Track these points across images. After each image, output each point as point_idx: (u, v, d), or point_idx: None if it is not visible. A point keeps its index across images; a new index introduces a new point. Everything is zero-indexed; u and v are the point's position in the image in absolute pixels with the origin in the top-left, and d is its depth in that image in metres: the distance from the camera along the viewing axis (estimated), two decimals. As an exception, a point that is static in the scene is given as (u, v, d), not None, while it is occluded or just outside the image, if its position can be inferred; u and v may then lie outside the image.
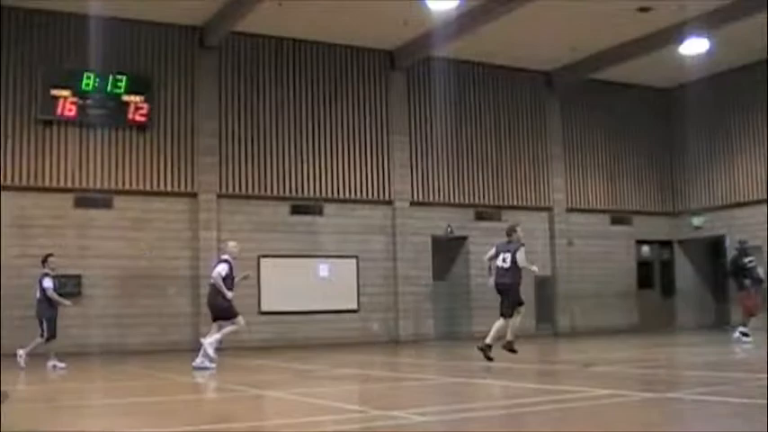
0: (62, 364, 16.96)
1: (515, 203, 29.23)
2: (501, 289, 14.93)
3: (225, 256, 16.94)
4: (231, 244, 17.19)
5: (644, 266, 31.96)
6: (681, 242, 32.37)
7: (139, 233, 23.95)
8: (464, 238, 28.20)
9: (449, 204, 28.05)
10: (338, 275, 26.15)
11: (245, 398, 11.18)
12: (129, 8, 23.21)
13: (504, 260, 15.00)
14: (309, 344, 24.66)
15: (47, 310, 17.44)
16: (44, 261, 17.86)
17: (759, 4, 23.58)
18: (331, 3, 23.49)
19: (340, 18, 24.72)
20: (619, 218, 31.25)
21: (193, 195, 24.63)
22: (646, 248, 32.08)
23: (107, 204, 23.74)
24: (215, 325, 16.65)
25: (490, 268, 15.25)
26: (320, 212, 26.27)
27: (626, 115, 31.70)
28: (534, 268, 15.35)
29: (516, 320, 14.75)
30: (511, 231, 15.27)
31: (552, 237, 29.78)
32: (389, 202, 27.22)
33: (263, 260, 25.18)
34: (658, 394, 10.05)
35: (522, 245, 15.16)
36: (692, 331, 28.23)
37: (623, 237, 31.26)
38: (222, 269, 16.46)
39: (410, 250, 27.14)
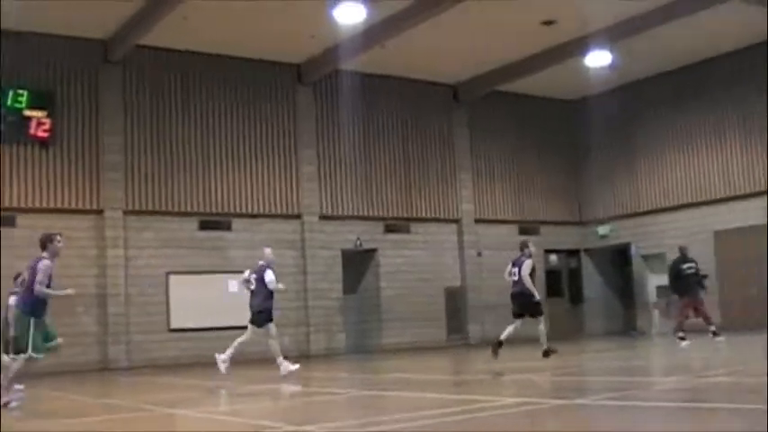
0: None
1: (424, 215, 29.36)
2: (513, 297, 18.50)
3: (263, 263, 17.40)
4: (267, 251, 17.81)
5: (552, 275, 32.32)
6: (588, 251, 32.83)
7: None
8: (374, 251, 28.23)
9: (358, 217, 28.06)
10: (248, 291, 25.88)
11: (156, 417, 11.02)
12: (30, 21, 22.77)
13: (513, 273, 18.34)
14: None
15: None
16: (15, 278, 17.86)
17: (661, 18, 24.13)
18: (237, 17, 23.36)
19: (246, 32, 24.58)
20: (526, 228, 31.54)
21: (99, 212, 24.25)
22: (554, 257, 32.45)
23: (10, 222, 23.20)
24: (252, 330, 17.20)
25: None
26: (229, 228, 26.06)
27: (532, 127, 32.10)
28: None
29: (540, 327, 17.91)
30: (523, 247, 18.80)
31: (461, 248, 29.95)
32: (298, 216, 27.14)
33: (171, 277, 24.90)
34: (568, 401, 10.16)
35: (528, 257, 18.47)
36: (600, 338, 28.61)
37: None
38: (272, 276, 17.10)
39: (320, 264, 27.08)
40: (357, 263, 28.16)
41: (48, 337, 14.66)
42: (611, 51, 26.49)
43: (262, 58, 26.83)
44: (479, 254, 30.24)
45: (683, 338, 19.83)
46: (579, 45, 26.20)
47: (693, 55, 28.26)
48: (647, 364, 15.03)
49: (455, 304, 29.30)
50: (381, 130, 28.97)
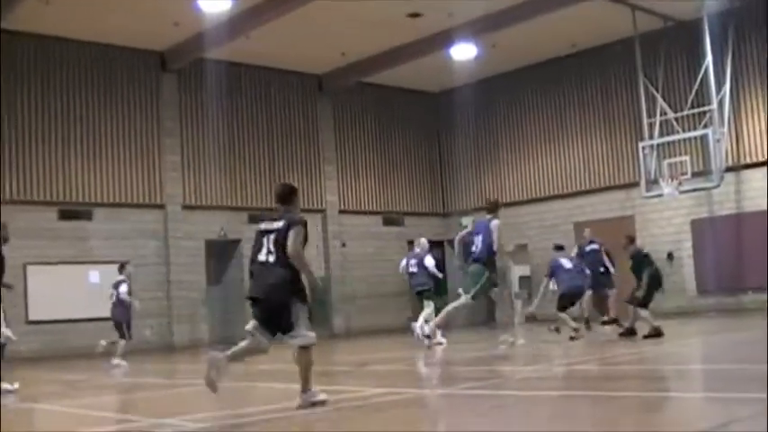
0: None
1: (289, 206, 29.24)
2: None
3: (417, 250, 20.45)
4: (423, 240, 20.76)
5: (416, 266, 32.51)
6: (451, 242, 33.15)
7: None
8: (238, 242, 28.03)
9: (222, 207, 27.83)
10: (109, 281, 25.39)
11: (15, 411, 10.75)
12: None
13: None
14: (81, 353, 23.91)
15: (124, 314, 19.32)
16: (121, 268, 19.71)
17: (525, 12, 24.55)
18: (100, 2, 22.90)
19: (109, 17, 24.07)
20: (391, 219, 31.78)
21: (-46, 201, 23.54)
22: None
23: None
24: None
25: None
26: (90, 217, 25.57)
27: (397, 119, 32.34)
28: None
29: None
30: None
31: (326, 239, 30.00)
32: (161, 206, 26.78)
33: (29, 267, 24.28)
34: (431, 390, 10.27)
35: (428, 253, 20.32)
36: (462, 329, 28.96)
37: (395, 237, 31.76)
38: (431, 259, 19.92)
39: (183, 254, 26.78)
40: (221, 253, 27.93)
41: None
42: (476, 44, 26.85)
43: (125, 45, 26.33)
44: (344, 245, 30.33)
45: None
46: (444, 38, 26.46)
47: (558, 49, 28.83)
48: (506, 355, 15.28)
49: (319, 295, 29.28)
50: (246, 119, 28.79)
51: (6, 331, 13.98)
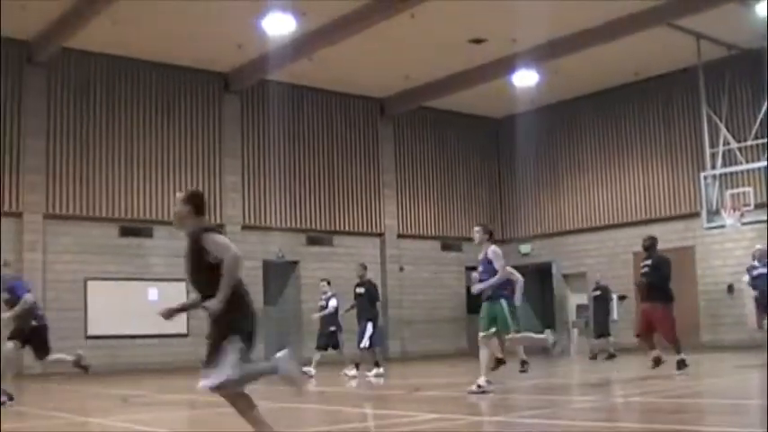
0: None
1: (347, 229, 29.37)
2: None
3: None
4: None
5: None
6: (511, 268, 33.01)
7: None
8: (296, 263, 28.13)
9: (281, 229, 27.96)
10: (167, 299, 25.56)
11: (69, 425, 10.86)
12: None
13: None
14: (138, 368, 24.15)
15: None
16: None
17: (587, 40, 24.45)
18: (166, 23, 23.20)
19: (174, 38, 24.42)
20: (449, 244, 31.72)
21: (18, 215, 23.86)
22: (475, 274, 32.42)
23: (-74, 223, 22.79)
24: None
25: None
26: (150, 235, 25.82)
27: (457, 143, 32.33)
28: None
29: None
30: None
31: (383, 262, 30.00)
32: (221, 226, 26.92)
33: (90, 283, 24.59)
34: (485, 417, 10.20)
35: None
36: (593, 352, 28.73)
37: (453, 263, 31.71)
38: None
39: (241, 275, 26.86)
40: (279, 274, 28.04)
41: None
42: (538, 71, 26.78)
43: (189, 66, 26.66)
44: (401, 269, 30.31)
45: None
46: (507, 64, 26.44)
47: (620, 77, 28.68)
48: (564, 383, 15.15)
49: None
50: (307, 141, 28.93)
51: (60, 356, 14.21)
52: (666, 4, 22.84)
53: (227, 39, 24.36)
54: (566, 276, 31.19)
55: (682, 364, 14.89)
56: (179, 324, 25.75)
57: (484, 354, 13.29)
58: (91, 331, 24.40)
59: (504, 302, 13.45)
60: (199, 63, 26.58)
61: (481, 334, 13.27)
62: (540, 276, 32.39)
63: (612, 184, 30.04)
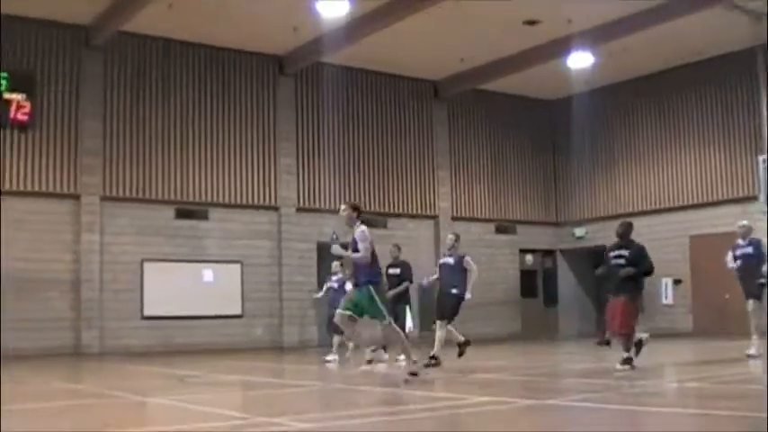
0: None
1: (401, 211, 29.38)
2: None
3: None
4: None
5: (527, 275, 32.38)
6: (563, 252, 32.94)
7: (19, 234, 23.34)
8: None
9: (335, 211, 27.91)
10: (222, 280, 25.94)
11: (126, 404, 11.01)
12: (11, 4, 22.65)
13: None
14: (192, 349, 24.39)
15: None
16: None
17: (643, 21, 24.19)
18: (221, 6, 23.31)
19: (230, 22, 24.53)
20: (503, 227, 31.65)
21: (76, 197, 24.16)
22: (529, 257, 32.52)
23: (-14, 204, 23.15)
24: None
25: None
26: (205, 217, 26.03)
27: (511, 126, 32.20)
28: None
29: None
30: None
31: (437, 245, 29.99)
32: (275, 208, 27.12)
33: (146, 264, 24.86)
34: (538, 401, 10.20)
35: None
36: (573, 340, 28.69)
37: (507, 245, 31.64)
38: None
39: (295, 256, 27.06)
40: (332, 256, 28.02)
41: None
42: (593, 52, 26.55)
43: (244, 49, 26.79)
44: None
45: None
46: (561, 45, 26.22)
47: (676, 59, 28.34)
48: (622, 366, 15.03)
49: (429, 301, 29.31)
50: (361, 124, 28.98)
51: None
52: (725, -16, 22.56)
53: (282, 21, 24.44)
54: (620, 260, 30.94)
55: (629, 361, 13.92)
56: (234, 305, 26.02)
57: (348, 332, 13.30)
58: (147, 312, 24.68)
59: (370, 289, 12.67)
60: (253, 46, 26.71)
61: (338, 311, 12.92)
62: (594, 260, 32.20)
63: (668, 167, 29.75)
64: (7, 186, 23.26)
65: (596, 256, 31.40)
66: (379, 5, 23.34)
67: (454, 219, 30.41)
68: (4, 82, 23.29)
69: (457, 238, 18.24)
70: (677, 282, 28.60)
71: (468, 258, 16.95)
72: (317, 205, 27.72)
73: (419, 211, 29.85)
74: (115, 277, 24.44)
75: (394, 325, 13.02)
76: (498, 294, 30.73)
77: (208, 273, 25.81)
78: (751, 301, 16.63)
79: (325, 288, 20.02)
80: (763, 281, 16.48)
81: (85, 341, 23.79)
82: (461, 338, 16.80)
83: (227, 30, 25.20)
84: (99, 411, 10.45)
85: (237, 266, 26.28)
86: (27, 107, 23.57)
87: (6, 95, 23.35)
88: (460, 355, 16.45)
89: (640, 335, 14.42)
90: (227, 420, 9.19)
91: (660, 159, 29.97)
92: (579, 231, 32.23)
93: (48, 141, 24.01)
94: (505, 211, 31.89)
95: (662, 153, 29.94)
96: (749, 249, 16.90)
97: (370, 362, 14.47)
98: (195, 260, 25.65)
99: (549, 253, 33.09)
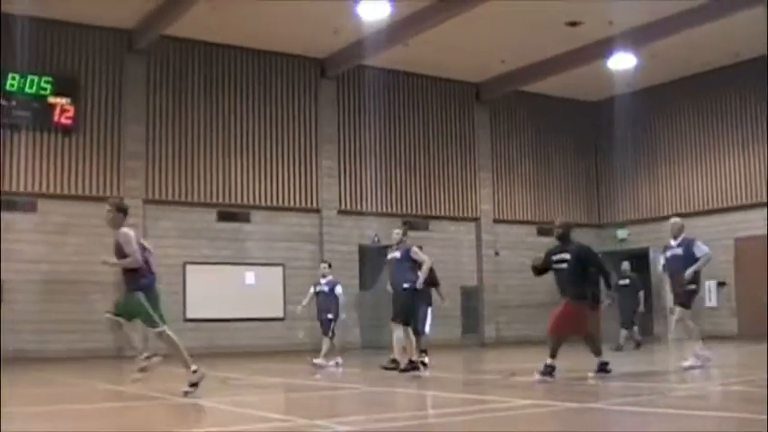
0: None
1: (443, 213, 29.35)
2: None
3: None
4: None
5: (569, 278, 32.13)
6: (606, 254, 32.66)
7: (63, 237, 23.55)
8: (391, 248, 28.16)
9: (376, 214, 28.04)
10: (264, 283, 26.02)
11: (168, 405, 11.06)
12: (55, 9, 22.87)
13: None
14: (235, 351, 24.48)
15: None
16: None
17: (685, 21, 24.02)
18: (262, 9, 23.40)
19: (271, 25, 24.63)
20: (545, 229, 31.42)
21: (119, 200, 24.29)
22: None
23: (31, 208, 23.35)
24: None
25: None
26: (247, 219, 26.13)
27: (553, 127, 32.07)
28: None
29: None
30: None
31: (479, 247, 29.94)
32: (317, 211, 27.17)
33: (188, 266, 24.99)
34: (581, 404, 10.13)
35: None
36: (615, 342, 28.46)
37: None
38: None
39: (337, 259, 27.04)
40: (374, 259, 28.13)
41: None
42: (636, 54, 26.39)
43: (285, 52, 26.89)
44: (497, 253, 30.22)
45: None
46: (603, 47, 26.10)
47: (718, 59, 28.10)
48: (662, 370, 14.97)
49: (471, 303, 29.29)
50: (402, 126, 28.97)
51: None
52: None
53: (324, 24, 24.49)
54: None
55: (603, 366, 13.53)
56: (275, 308, 26.08)
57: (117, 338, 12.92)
58: (189, 314, 24.79)
59: (140, 296, 12.06)
60: (295, 49, 26.78)
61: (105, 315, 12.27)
62: (637, 262, 31.99)
63: (711, 169, 29.50)
64: (51, 190, 23.50)
65: (639, 258, 31.35)
66: (420, 8, 23.33)
67: (496, 221, 30.36)
68: (48, 86, 23.53)
69: (404, 231, 16.91)
70: (721, 284, 28.32)
71: (415, 248, 15.96)
72: (359, 208, 27.74)
73: (461, 214, 29.80)
74: (158, 279, 24.50)
75: (168, 333, 12.29)
76: (541, 296, 30.43)
77: (250, 275, 25.90)
78: (678, 309, 15.15)
79: (311, 293, 19.22)
80: (692, 287, 14.91)
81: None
82: (414, 355, 15.52)
83: (269, 32, 25.30)
84: (142, 413, 10.51)
85: (279, 269, 26.34)
86: (71, 111, 23.79)
87: (51, 99, 23.59)
88: (389, 369, 15.44)
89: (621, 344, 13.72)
90: (269, 422, 9.20)
91: (703, 161, 29.74)
92: (622, 233, 32.03)
93: (91, 145, 24.22)
94: (548, 213, 31.74)
95: (705, 154, 29.70)
96: (679, 251, 15.15)
97: (142, 369, 13.18)
98: (237, 263, 25.76)
99: (591, 255, 32.87)
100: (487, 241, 30.09)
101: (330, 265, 19.68)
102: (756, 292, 26.80)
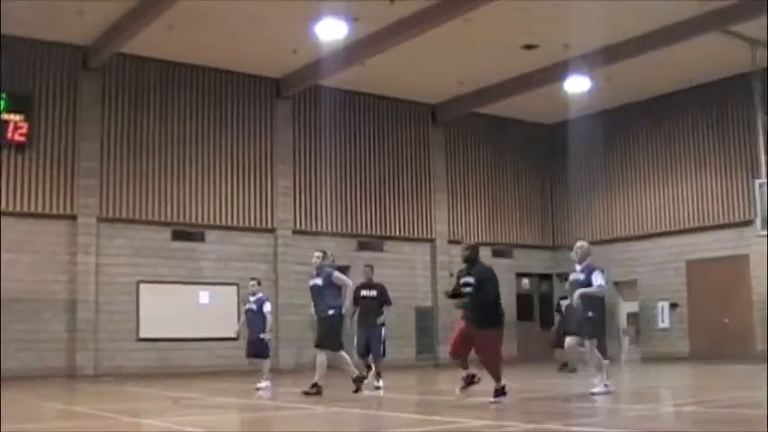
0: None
1: (398, 234, 29.38)
2: None
3: None
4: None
5: (523, 299, 32.34)
6: (560, 275, 32.86)
7: (16, 255, 23.30)
8: (347, 268, 28.15)
9: (332, 234, 28.02)
10: (219, 302, 25.88)
11: (119, 425, 10.94)
12: (10, 25, 22.66)
13: None
14: (188, 371, 24.32)
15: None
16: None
17: (640, 46, 24.28)
18: (220, 28, 23.35)
19: (228, 44, 24.59)
20: (500, 250, 31.61)
21: (73, 218, 24.15)
22: (526, 281, 32.46)
23: (-18, 226, 23.11)
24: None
25: None
26: (202, 239, 26.02)
27: (509, 149, 32.24)
28: None
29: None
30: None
31: (433, 268, 29.97)
32: (272, 230, 27.11)
33: (142, 285, 24.83)
34: (537, 425, 10.14)
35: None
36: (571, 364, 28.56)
37: (504, 269, 31.45)
38: None
39: (292, 279, 26.99)
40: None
41: None
42: (591, 77, 26.61)
43: (242, 71, 26.86)
44: (452, 275, 30.18)
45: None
46: (559, 70, 26.32)
47: (673, 83, 28.43)
48: (615, 391, 14.97)
49: (425, 324, 29.30)
50: (358, 147, 29.01)
51: None
52: (720, 11, 22.60)
53: (281, 44, 24.49)
54: (617, 284, 30.90)
55: (500, 392, 12.88)
56: (229, 328, 25.89)
57: None
58: (143, 334, 24.63)
59: None
60: (251, 68, 26.76)
61: None
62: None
63: (665, 191, 29.78)
64: (4, 207, 23.25)
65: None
66: (377, 29, 23.39)
67: (451, 242, 30.40)
68: (2, 102, 23.32)
69: (324, 255, 16.06)
70: (674, 306, 28.56)
71: (337, 274, 15.56)
72: (314, 228, 27.71)
73: (416, 235, 29.85)
74: (111, 299, 24.39)
75: None
76: (495, 318, 30.61)
77: (204, 295, 25.77)
78: (567, 339, 14.95)
79: (244, 312, 18.74)
80: (589, 314, 14.30)
81: (80, 362, 23.71)
82: (354, 372, 15.23)
83: (226, 52, 25.26)
84: (93, 433, 10.39)
85: (234, 289, 26.21)
86: (24, 128, 23.61)
87: (4, 116, 23.39)
88: (356, 391, 14.83)
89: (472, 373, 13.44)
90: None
91: (657, 184, 30.01)
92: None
93: (45, 162, 24.03)
94: (502, 234, 31.89)
95: (658, 178, 29.98)
96: (581, 276, 14.67)
97: None
98: (191, 282, 25.62)
99: (545, 277, 33.06)
100: (442, 262, 30.12)
101: (260, 283, 19.01)
102: (708, 314, 27.07)
